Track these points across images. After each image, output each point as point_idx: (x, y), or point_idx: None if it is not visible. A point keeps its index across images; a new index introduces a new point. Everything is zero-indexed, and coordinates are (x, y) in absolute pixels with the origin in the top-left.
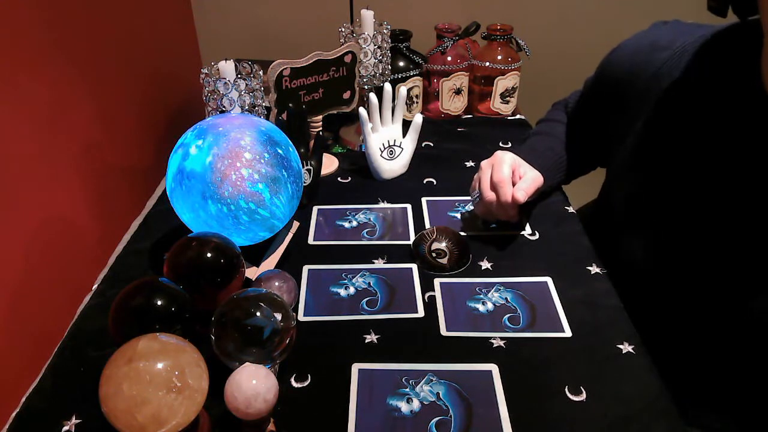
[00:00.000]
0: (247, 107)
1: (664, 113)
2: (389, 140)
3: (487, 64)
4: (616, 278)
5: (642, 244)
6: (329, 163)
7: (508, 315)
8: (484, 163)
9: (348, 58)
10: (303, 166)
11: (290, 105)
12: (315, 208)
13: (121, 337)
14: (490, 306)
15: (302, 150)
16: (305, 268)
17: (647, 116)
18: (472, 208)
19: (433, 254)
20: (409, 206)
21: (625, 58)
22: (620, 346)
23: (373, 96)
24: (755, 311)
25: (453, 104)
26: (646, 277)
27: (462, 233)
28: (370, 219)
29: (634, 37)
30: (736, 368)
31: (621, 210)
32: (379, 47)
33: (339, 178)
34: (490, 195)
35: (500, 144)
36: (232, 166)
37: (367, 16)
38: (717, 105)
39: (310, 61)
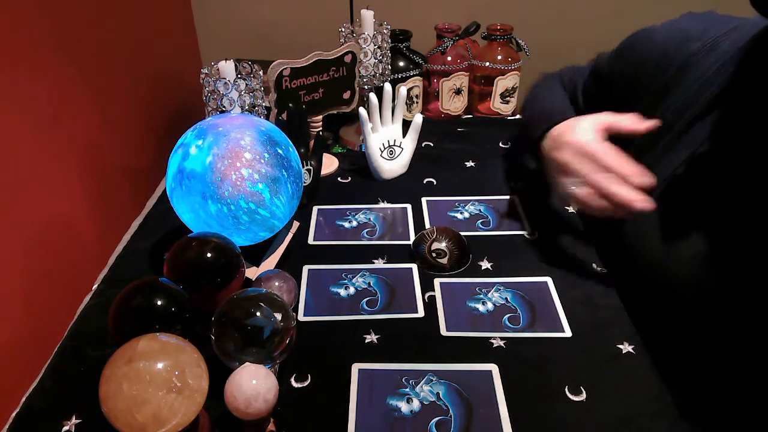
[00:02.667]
0: (247, 107)
1: (691, 105)
2: (389, 140)
3: (487, 64)
4: (617, 278)
5: (657, 238)
6: (329, 163)
7: (508, 315)
8: (567, 156)
9: (348, 58)
10: (303, 166)
11: (290, 105)
12: (315, 208)
13: (121, 337)
14: (490, 306)
15: (302, 150)
16: (305, 268)
17: (672, 106)
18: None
19: (433, 254)
20: (409, 206)
21: (655, 44)
22: (620, 346)
23: (373, 96)
24: (756, 311)
25: (453, 104)
26: (655, 275)
27: (462, 233)
28: (370, 219)
29: (665, 25)
30: (736, 368)
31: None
32: (379, 47)
33: (339, 178)
34: (614, 189)
35: (500, 144)
36: (232, 166)
37: (367, 16)
38: (747, 102)
39: (310, 61)
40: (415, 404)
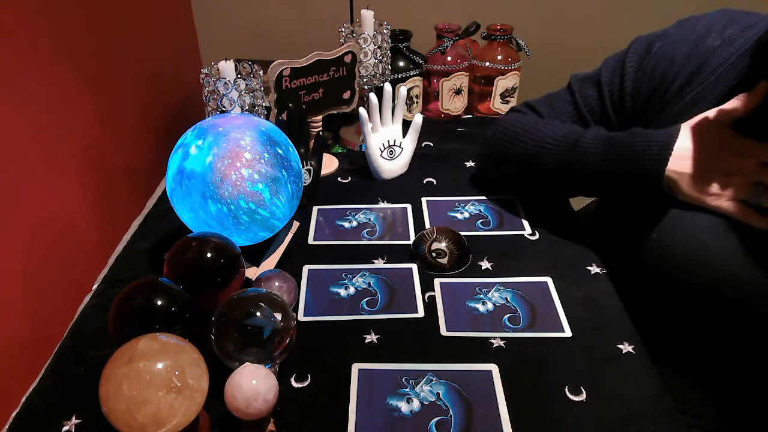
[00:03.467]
0: (247, 107)
1: (706, 97)
2: (389, 140)
3: (487, 64)
4: (617, 278)
5: (673, 235)
6: (329, 163)
7: (508, 315)
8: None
9: (348, 58)
10: (303, 166)
11: (290, 105)
12: (315, 208)
13: (121, 337)
14: (490, 306)
15: (302, 150)
16: (305, 268)
17: (689, 96)
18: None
19: (433, 254)
20: (409, 206)
21: (677, 46)
22: (620, 346)
23: (373, 96)
24: (756, 311)
25: (453, 104)
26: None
27: (462, 233)
28: (370, 219)
29: (682, 26)
30: (736, 367)
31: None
32: (379, 47)
33: (339, 178)
34: None
35: None
36: (232, 166)
37: (367, 16)
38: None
39: (310, 61)
40: (415, 404)
